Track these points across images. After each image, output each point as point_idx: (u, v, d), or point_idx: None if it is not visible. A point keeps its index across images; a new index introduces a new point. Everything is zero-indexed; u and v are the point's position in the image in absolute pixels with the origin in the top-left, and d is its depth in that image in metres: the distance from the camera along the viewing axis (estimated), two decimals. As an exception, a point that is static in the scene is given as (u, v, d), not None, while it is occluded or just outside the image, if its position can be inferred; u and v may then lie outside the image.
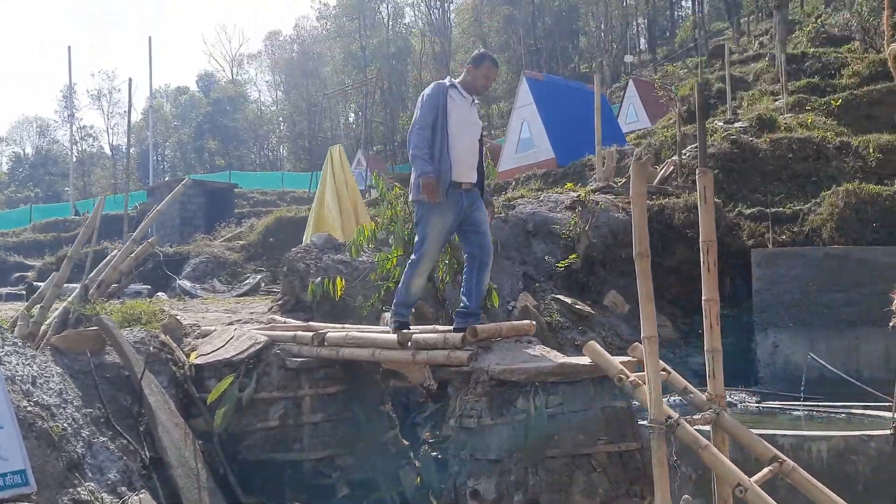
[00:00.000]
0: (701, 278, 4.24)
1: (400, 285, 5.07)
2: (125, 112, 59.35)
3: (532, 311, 8.27)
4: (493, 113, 45.11)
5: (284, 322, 6.66)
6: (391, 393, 5.99)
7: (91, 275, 7.00)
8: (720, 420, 4.19)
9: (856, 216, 9.15)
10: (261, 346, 5.48)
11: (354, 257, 7.65)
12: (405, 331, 4.85)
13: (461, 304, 4.88)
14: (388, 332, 5.22)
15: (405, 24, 51.42)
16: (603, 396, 4.30)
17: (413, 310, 7.52)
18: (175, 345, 5.75)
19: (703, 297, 4.39)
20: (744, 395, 7.73)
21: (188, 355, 5.72)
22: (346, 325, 5.99)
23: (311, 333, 5.37)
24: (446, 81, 5.02)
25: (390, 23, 50.11)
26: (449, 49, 44.61)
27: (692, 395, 4.35)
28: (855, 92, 16.44)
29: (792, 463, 4.03)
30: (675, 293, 9.27)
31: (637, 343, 4.75)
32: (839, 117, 15.36)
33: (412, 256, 4.99)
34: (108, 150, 61.77)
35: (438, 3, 47.12)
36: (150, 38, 32.50)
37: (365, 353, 5.02)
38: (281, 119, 59.53)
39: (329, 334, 5.27)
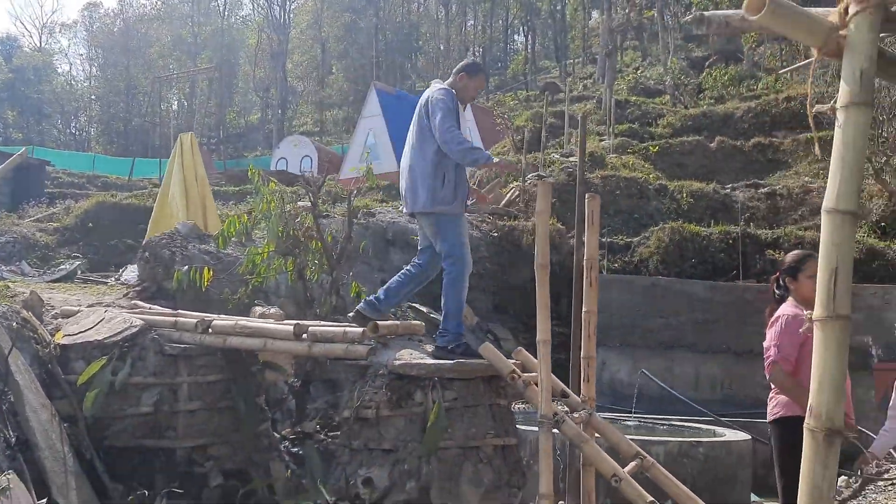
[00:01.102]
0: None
1: (448, 304, 4.87)
2: None
3: (391, 318, 8.53)
4: (327, 119, 45.07)
5: (150, 308, 6.46)
6: (265, 386, 6.01)
7: None
8: (592, 420, 4.70)
9: (678, 251, 10.30)
10: (137, 329, 5.32)
11: (221, 248, 7.55)
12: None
13: (376, 295, 5.04)
14: (274, 323, 5.31)
15: (242, 16, 50.07)
16: (490, 394, 4.67)
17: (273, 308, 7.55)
18: (38, 322, 5.43)
19: (583, 310, 4.91)
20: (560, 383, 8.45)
21: (52, 335, 5.43)
22: (221, 316, 5.94)
23: (194, 320, 5.31)
24: (449, 87, 4.90)
25: (226, 12, 48.58)
26: (286, 48, 43.95)
27: (568, 397, 4.83)
28: (669, 141, 18.29)
29: (652, 459, 4.60)
30: (517, 309, 9.91)
31: (520, 348, 5.18)
32: (655, 162, 17.04)
33: (449, 270, 4.77)
34: None
35: None
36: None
37: (256, 342, 5.05)
38: (94, 97, 55.52)
39: (215, 322, 5.24)
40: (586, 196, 4.95)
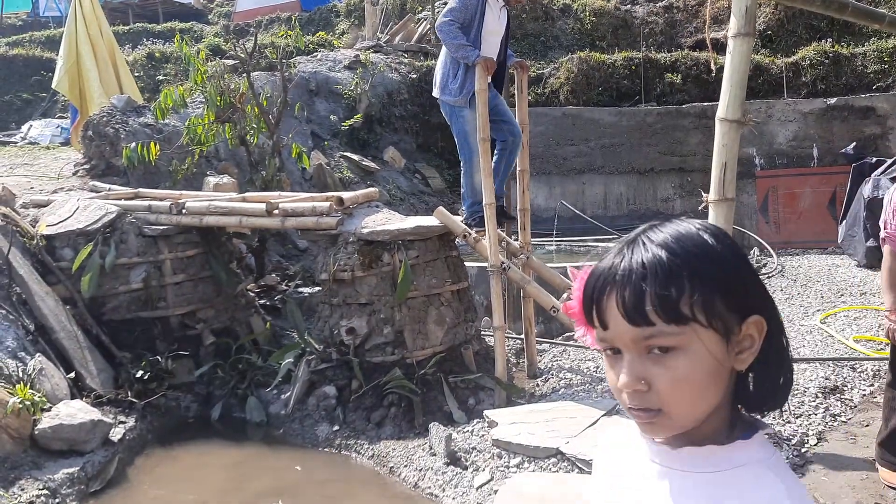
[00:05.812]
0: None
1: (465, 190, 5.48)
2: None
3: (325, 169, 9.10)
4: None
5: (108, 189, 6.85)
6: (235, 253, 6.65)
7: None
8: (529, 262, 5.63)
9: (585, 81, 10.99)
10: (114, 215, 5.81)
11: (160, 120, 7.83)
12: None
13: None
14: (240, 200, 5.89)
15: None
16: (445, 249, 5.49)
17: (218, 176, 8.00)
18: (18, 216, 5.83)
19: (518, 169, 5.68)
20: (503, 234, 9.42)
21: (32, 226, 5.85)
22: (187, 193, 6.44)
23: (168, 203, 5.81)
24: None
25: None
26: None
27: (508, 244, 5.70)
28: (570, -47, 18.31)
29: (579, 289, 5.59)
30: (441, 148, 10.58)
31: (441, 207, 5.94)
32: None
33: (461, 157, 5.34)
34: None
35: None
36: None
37: (232, 220, 5.64)
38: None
39: (189, 203, 5.77)
40: (517, 68, 5.59)
